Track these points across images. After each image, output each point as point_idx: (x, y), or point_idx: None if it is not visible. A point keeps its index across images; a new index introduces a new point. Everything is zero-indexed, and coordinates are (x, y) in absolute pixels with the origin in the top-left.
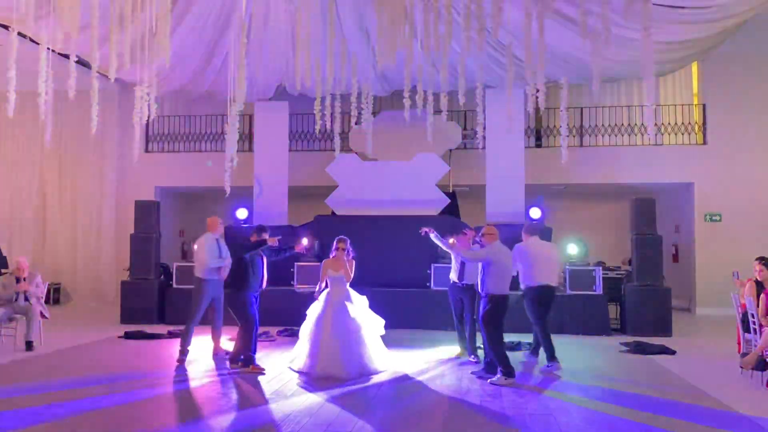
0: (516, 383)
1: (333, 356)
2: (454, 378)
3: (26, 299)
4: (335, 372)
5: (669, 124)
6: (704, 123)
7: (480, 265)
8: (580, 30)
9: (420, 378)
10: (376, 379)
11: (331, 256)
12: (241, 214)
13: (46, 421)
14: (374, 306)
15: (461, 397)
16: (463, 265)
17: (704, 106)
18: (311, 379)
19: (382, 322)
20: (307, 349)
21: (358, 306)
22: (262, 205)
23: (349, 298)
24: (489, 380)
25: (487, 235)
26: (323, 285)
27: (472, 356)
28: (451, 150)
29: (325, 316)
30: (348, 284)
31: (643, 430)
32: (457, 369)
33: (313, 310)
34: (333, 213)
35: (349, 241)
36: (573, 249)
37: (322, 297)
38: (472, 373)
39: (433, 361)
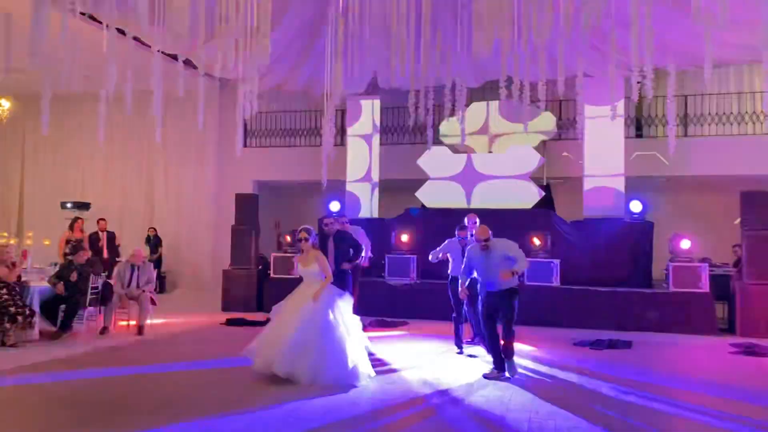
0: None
1: (276, 352)
2: None
3: (138, 286)
4: (275, 369)
5: None
6: None
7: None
8: (692, 12)
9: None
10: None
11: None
12: (334, 207)
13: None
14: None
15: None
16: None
17: None
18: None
19: (359, 325)
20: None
21: (338, 308)
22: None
23: (328, 299)
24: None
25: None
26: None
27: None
28: (545, 141)
29: (281, 308)
30: (328, 281)
31: None
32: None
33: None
34: (423, 206)
35: (311, 229)
36: (686, 244)
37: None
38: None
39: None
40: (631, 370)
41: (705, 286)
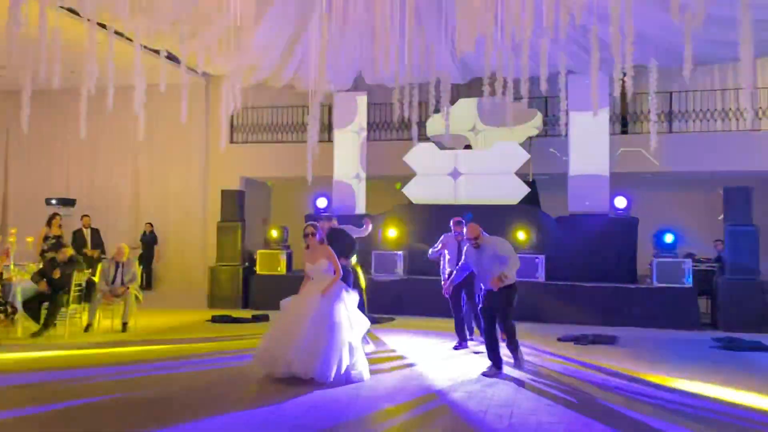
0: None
1: (288, 351)
2: None
3: (123, 283)
4: (288, 369)
5: None
6: None
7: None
8: (672, 9)
9: None
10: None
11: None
12: (321, 203)
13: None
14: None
15: None
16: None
17: None
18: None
19: (367, 324)
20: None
21: (345, 305)
22: (340, 194)
23: (337, 295)
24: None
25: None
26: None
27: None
28: (531, 138)
29: (289, 307)
30: (338, 275)
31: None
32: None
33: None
34: (410, 202)
35: (318, 225)
36: (669, 237)
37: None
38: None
39: None
40: (615, 365)
41: (688, 282)
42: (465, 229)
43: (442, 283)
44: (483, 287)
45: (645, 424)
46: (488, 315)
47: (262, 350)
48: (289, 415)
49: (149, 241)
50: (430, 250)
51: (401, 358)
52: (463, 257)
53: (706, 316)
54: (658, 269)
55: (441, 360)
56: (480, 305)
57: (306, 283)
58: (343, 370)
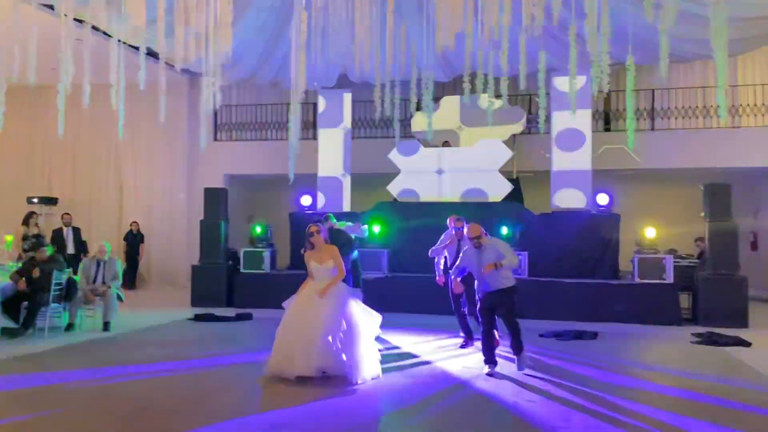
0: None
1: (294, 350)
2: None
3: (104, 282)
4: (294, 369)
5: (748, 105)
6: None
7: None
8: (646, 7)
9: None
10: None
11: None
12: (306, 201)
13: (117, 394)
14: (433, 292)
15: None
16: None
17: None
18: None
19: (378, 319)
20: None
21: (352, 303)
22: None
23: (344, 294)
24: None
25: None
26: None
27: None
28: (515, 135)
29: (294, 305)
30: (341, 276)
31: (709, 423)
32: None
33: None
34: (395, 200)
35: (321, 224)
36: (651, 232)
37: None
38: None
39: None
40: (595, 360)
41: (669, 278)
42: (466, 228)
43: (437, 278)
44: (483, 290)
45: (626, 408)
46: (488, 316)
47: (278, 352)
48: (309, 416)
49: (135, 239)
50: (430, 252)
51: (409, 356)
52: (459, 260)
53: (688, 312)
54: (639, 265)
55: (427, 355)
56: (479, 306)
57: (308, 282)
58: (367, 369)
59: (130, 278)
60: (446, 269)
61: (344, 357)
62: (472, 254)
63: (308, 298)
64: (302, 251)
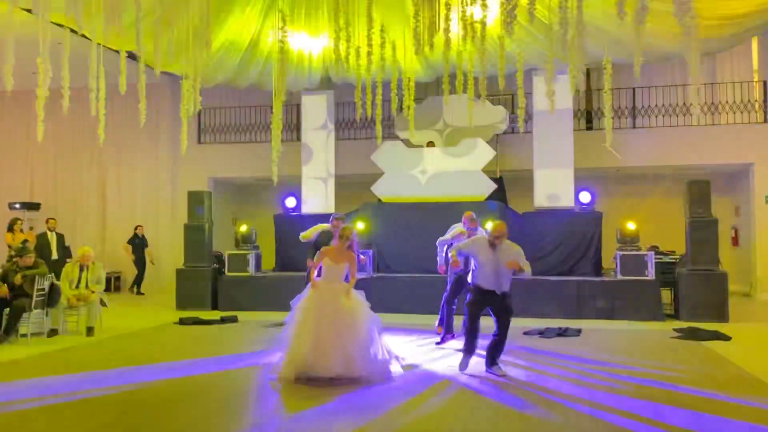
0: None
1: (320, 352)
2: None
3: (87, 287)
4: (321, 371)
5: (726, 102)
6: (765, 101)
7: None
8: (618, 6)
9: None
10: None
11: (332, 244)
12: (290, 202)
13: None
14: (418, 292)
15: None
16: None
17: (765, 83)
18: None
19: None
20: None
21: (359, 303)
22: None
23: (360, 297)
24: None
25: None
26: (315, 273)
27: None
28: (498, 134)
29: (308, 309)
30: (353, 282)
31: (689, 416)
32: None
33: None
34: (379, 200)
35: (354, 232)
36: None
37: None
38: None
39: None
40: (578, 356)
41: (651, 274)
42: (490, 226)
43: (438, 267)
44: (480, 287)
45: (606, 404)
46: (475, 312)
47: (294, 354)
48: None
49: (140, 244)
50: (438, 247)
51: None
52: (467, 246)
53: (670, 308)
54: (622, 262)
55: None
56: (469, 299)
57: (318, 282)
58: (384, 367)
59: (138, 284)
60: (447, 260)
61: (369, 359)
62: (486, 251)
63: (329, 300)
64: (313, 244)
